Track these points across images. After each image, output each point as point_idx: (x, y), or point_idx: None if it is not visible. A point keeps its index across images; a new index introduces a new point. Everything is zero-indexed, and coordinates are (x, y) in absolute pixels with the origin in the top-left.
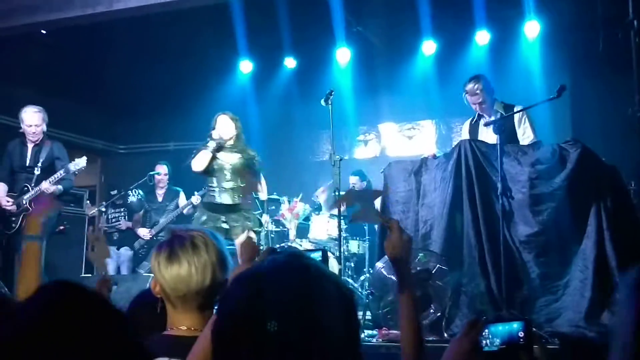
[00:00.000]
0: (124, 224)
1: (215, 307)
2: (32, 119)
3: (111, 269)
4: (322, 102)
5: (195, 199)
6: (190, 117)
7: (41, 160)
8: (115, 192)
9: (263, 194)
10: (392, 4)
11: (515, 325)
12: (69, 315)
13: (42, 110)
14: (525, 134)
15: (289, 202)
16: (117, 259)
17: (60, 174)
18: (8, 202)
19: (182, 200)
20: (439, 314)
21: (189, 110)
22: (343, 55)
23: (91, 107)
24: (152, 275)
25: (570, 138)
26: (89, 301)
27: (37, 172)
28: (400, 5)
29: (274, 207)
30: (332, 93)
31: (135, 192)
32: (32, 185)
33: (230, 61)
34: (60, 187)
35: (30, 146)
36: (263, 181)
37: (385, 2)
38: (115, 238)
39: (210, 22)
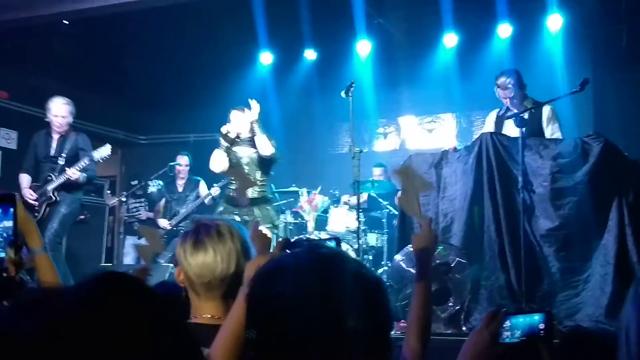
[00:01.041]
0: (144, 214)
1: None
2: (60, 110)
3: (131, 259)
4: (343, 94)
5: (215, 190)
6: (211, 108)
7: (65, 151)
8: (135, 182)
9: (265, 150)
10: None
11: (536, 317)
12: (119, 302)
13: (70, 102)
14: (554, 135)
15: (308, 194)
16: (133, 249)
17: (85, 162)
18: (31, 195)
19: (202, 189)
20: (457, 307)
21: (210, 102)
22: (364, 47)
23: (112, 97)
24: (171, 265)
25: (593, 132)
26: (139, 289)
27: (61, 162)
28: None
29: (292, 199)
30: (353, 85)
31: (156, 183)
32: (56, 175)
33: (251, 53)
34: (84, 174)
35: (55, 137)
36: (264, 137)
37: None
38: (135, 228)
39: (231, 14)
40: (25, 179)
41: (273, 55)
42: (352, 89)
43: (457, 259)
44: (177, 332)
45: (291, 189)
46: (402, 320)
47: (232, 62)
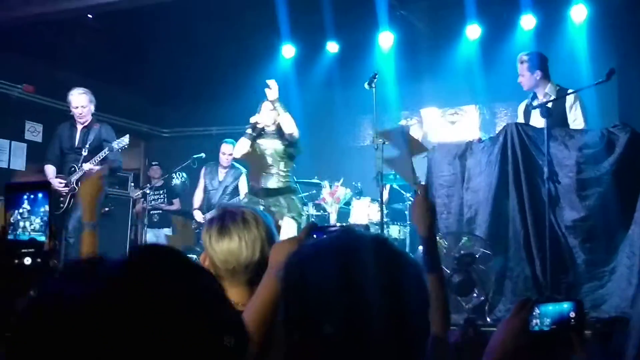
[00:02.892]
0: (161, 206)
1: None
2: (78, 100)
3: None
4: (366, 86)
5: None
6: (233, 101)
7: (89, 142)
8: (156, 163)
9: (289, 127)
10: None
11: (566, 305)
12: (158, 270)
13: (88, 92)
14: (576, 121)
15: (330, 186)
16: (157, 240)
17: (104, 152)
18: (60, 183)
19: (242, 182)
20: (482, 298)
21: (232, 95)
22: (386, 39)
23: (136, 90)
24: (194, 257)
25: (619, 122)
26: (182, 261)
27: (84, 153)
28: None
29: (314, 191)
30: (376, 76)
31: (179, 175)
32: (79, 165)
33: (273, 46)
34: (105, 167)
35: (79, 127)
36: (287, 116)
37: None
38: (155, 220)
39: (254, 7)
40: (50, 170)
41: (295, 47)
42: (375, 80)
43: (482, 250)
44: (213, 302)
45: (314, 180)
46: None
47: (254, 55)
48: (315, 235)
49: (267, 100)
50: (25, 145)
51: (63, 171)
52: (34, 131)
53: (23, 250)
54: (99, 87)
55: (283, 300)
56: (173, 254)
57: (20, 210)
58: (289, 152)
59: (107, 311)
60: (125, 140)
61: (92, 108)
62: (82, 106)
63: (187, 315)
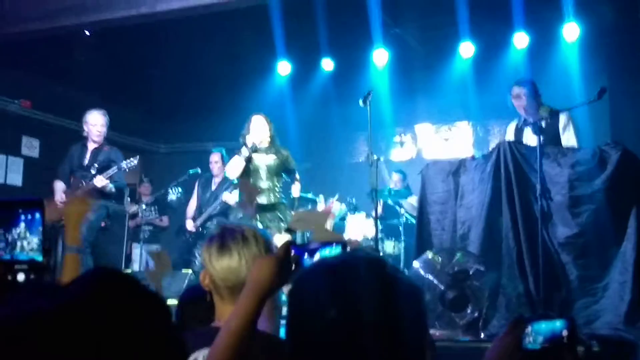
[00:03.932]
0: (154, 221)
1: None
2: (98, 119)
3: (139, 265)
4: (360, 103)
5: (227, 196)
6: (229, 118)
7: (98, 162)
8: (147, 179)
9: (296, 191)
10: (431, 6)
11: (558, 323)
12: (109, 296)
13: (106, 114)
14: (569, 142)
15: (325, 201)
16: (146, 256)
17: (113, 170)
18: (62, 199)
19: (234, 193)
20: (475, 314)
21: (228, 111)
22: (380, 56)
23: (133, 106)
24: (190, 271)
25: (611, 140)
26: (133, 286)
27: (92, 171)
28: (438, 8)
29: (310, 207)
30: (371, 94)
31: (175, 190)
32: (87, 182)
33: (269, 63)
34: (113, 184)
35: (90, 148)
36: (297, 178)
37: (424, 4)
38: (146, 236)
39: (250, 24)
40: (59, 185)
41: (291, 65)
42: (369, 97)
43: (476, 266)
44: (163, 335)
45: (309, 196)
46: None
47: (250, 73)
48: (294, 252)
49: (264, 116)
50: (21, 160)
51: (71, 188)
52: (30, 146)
53: (17, 267)
54: (96, 103)
55: (287, 323)
56: (125, 279)
57: (18, 230)
58: (282, 168)
59: (57, 327)
60: (135, 161)
61: (105, 131)
62: (101, 124)
63: (129, 337)
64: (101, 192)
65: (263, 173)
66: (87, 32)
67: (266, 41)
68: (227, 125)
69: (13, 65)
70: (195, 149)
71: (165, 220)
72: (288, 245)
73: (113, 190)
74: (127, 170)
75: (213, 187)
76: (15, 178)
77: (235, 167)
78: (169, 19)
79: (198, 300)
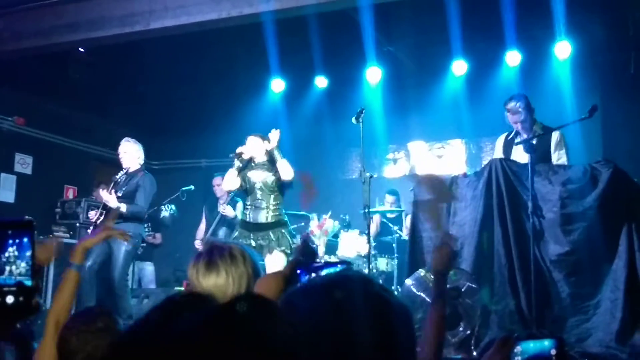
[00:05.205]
0: (147, 238)
1: None
2: (120, 147)
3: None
4: (353, 120)
5: (223, 208)
6: (223, 134)
7: (126, 186)
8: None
9: (287, 174)
10: (423, 24)
11: (547, 342)
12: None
13: (132, 141)
14: (560, 160)
15: (318, 218)
16: (139, 273)
17: (122, 176)
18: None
19: (237, 210)
20: (468, 332)
21: (221, 128)
22: (374, 74)
23: (126, 123)
24: (182, 289)
25: (602, 158)
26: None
27: (119, 194)
28: (431, 26)
29: (302, 224)
30: (363, 111)
31: (168, 207)
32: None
33: (262, 80)
34: (124, 206)
35: (123, 171)
36: (284, 162)
37: (416, 22)
38: (139, 252)
39: (243, 42)
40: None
41: (284, 82)
42: (362, 115)
43: (468, 283)
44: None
45: (302, 213)
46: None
47: (244, 89)
48: (299, 271)
49: (260, 136)
50: (14, 177)
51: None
52: (23, 163)
53: (5, 289)
54: (89, 120)
55: None
56: (270, 305)
57: (7, 255)
58: (279, 185)
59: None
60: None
61: (132, 156)
62: (123, 152)
63: None
64: (125, 217)
65: (259, 191)
66: (81, 50)
67: (260, 58)
68: (220, 142)
69: (7, 82)
70: (189, 166)
71: (158, 238)
72: (295, 263)
73: (124, 211)
74: (119, 180)
75: (219, 209)
76: (8, 195)
77: (228, 179)
78: (162, 36)
79: None
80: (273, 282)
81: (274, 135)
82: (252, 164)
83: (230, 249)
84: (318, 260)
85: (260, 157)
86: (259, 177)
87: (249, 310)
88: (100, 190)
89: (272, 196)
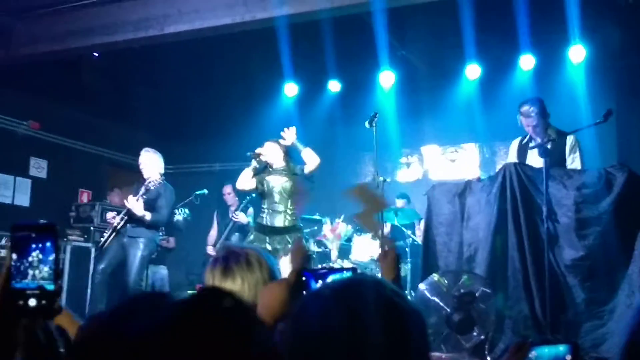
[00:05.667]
0: (161, 242)
1: None
2: (140, 157)
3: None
4: (367, 124)
5: (235, 215)
6: (236, 138)
7: (146, 194)
8: None
9: (313, 161)
10: (437, 28)
11: (562, 348)
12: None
13: (151, 151)
14: (574, 163)
15: (331, 222)
16: (152, 276)
17: (141, 192)
18: (112, 217)
19: (249, 216)
20: (482, 337)
21: (235, 132)
22: (387, 78)
23: (139, 127)
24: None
25: (617, 162)
26: (238, 307)
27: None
28: (444, 30)
29: (315, 228)
30: (377, 115)
31: (182, 211)
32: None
33: (276, 84)
34: (148, 214)
35: (145, 181)
36: (308, 150)
37: (430, 26)
38: (153, 257)
39: (257, 46)
40: None
41: (298, 86)
42: (376, 119)
43: (482, 288)
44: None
45: (315, 217)
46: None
47: (257, 94)
48: (305, 277)
49: (277, 141)
50: (29, 181)
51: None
52: (38, 167)
53: (28, 292)
54: (103, 124)
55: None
56: (233, 299)
57: (30, 259)
58: (297, 190)
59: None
60: (156, 180)
61: (154, 167)
62: (143, 162)
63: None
64: (142, 222)
65: (277, 195)
66: (96, 54)
67: (273, 63)
68: (233, 146)
69: (22, 87)
70: (202, 170)
71: (171, 242)
72: (299, 270)
73: (147, 219)
74: (152, 188)
75: (231, 216)
76: (23, 199)
77: (243, 178)
78: (177, 41)
79: None
80: (277, 290)
81: (290, 132)
82: (270, 169)
83: (246, 255)
84: (326, 265)
85: (279, 163)
86: (279, 182)
87: (208, 306)
88: (129, 197)
89: (290, 201)
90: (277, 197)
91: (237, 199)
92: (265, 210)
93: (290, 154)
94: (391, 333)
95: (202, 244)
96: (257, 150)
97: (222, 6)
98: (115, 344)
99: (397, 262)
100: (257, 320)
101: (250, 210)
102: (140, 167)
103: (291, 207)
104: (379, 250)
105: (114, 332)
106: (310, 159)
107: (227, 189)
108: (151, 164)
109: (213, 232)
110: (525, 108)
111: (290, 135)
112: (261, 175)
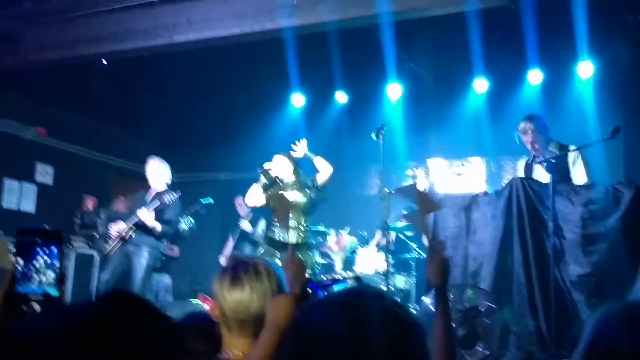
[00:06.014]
0: (165, 250)
1: None
2: (147, 166)
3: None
4: (373, 136)
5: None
6: (242, 148)
7: (155, 205)
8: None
9: (327, 170)
10: (444, 41)
11: None
12: (119, 316)
13: (158, 160)
14: (579, 177)
15: (336, 234)
16: (156, 285)
17: (154, 203)
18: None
19: (261, 226)
20: (487, 352)
21: (241, 142)
22: (394, 90)
23: (146, 135)
24: (199, 302)
25: (624, 179)
26: (143, 308)
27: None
28: (452, 43)
29: (320, 240)
30: (384, 127)
31: (187, 220)
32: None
33: (283, 95)
34: (159, 225)
35: (152, 192)
36: (319, 158)
37: (437, 39)
38: (157, 265)
39: (265, 57)
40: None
41: (305, 97)
42: (383, 131)
43: (487, 303)
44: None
45: (319, 228)
46: None
47: (264, 104)
48: (310, 289)
49: (287, 155)
50: (35, 187)
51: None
52: (44, 173)
53: (32, 298)
54: (109, 131)
55: (290, 351)
56: (137, 301)
57: (37, 265)
58: (310, 207)
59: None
60: (175, 195)
61: (161, 177)
62: (151, 172)
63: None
64: (149, 231)
65: (291, 210)
66: (104, 62)
67: (281, 73)
68: (239, 156)
69: (30, 92)
70: (208, 179)
71: (176, 251)
72: (305, 283)
73: (158, 230)
74: (168, 204)
75: (243, 227)
76: (29, 205)
77: (252, 194)
78: (185, 50)
79: (201, 329)
80: (284, 302)
81: (301, 145)
82: (281, 184)
83: (255, 264)
84: (329, 276)
85: (289, 177)
86: (293, 197)
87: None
88: (142, 210)
89: (303, 217)
90: (291, 212)
91: (248, 209)
92: (277, 225)
93: (299, 166)
94: (392, 342)
95: (206, 253)
96: (266, 166)
97: (231, 16)
98: (4, 345)
99: (445, 267)
100: (157, 319)
101: (262, 222)
102: (147, 176)
103: (304, 224)
104: (383, 264)
105: (5, 333)
106: (324, 167)
107: (239, 200)
108: (158, 173)
109: (229, 244)
110: (521, 126)
111: (301, 148)
112: (272, 191)
